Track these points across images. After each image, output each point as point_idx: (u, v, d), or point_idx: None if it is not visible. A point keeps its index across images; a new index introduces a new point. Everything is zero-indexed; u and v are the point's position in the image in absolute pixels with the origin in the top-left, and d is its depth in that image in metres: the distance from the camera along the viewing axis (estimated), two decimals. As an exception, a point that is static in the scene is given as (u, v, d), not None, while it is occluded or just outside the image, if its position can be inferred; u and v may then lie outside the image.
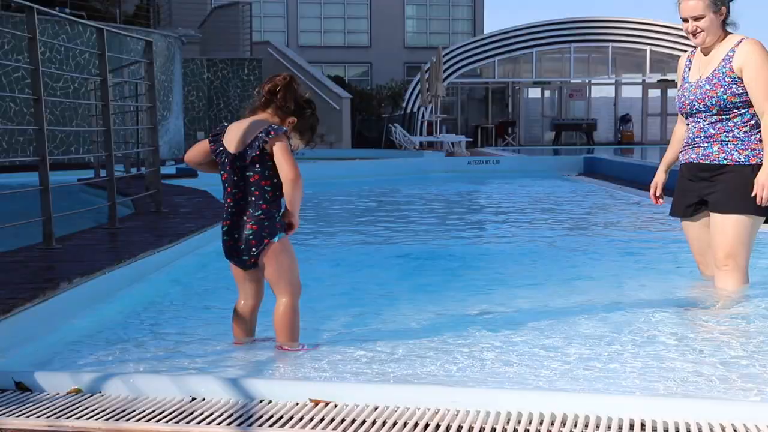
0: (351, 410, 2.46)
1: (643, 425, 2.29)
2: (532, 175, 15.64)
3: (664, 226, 7.27)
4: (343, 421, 2.38)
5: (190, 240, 5.66)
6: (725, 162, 4.25)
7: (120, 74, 10.28)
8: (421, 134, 25.05)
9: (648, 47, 29.44)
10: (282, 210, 3.37)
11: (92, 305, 4.08)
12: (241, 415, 2.44)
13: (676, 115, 4.62)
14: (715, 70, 4.25)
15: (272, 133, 3.27)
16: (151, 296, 4.55)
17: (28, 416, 2.45)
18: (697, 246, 4.59)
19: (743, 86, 4.18)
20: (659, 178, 4.71)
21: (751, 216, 4.22)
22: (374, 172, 15.62)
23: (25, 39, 5.11)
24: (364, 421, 2.37)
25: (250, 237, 3.31)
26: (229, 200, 3.36)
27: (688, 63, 4.49)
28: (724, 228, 4.25)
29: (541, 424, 2.32)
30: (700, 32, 4.24)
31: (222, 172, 3.38)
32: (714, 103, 4.23)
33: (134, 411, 2.48)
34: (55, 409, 2.51)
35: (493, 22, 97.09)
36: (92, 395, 2.65)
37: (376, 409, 2.46)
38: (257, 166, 3.29)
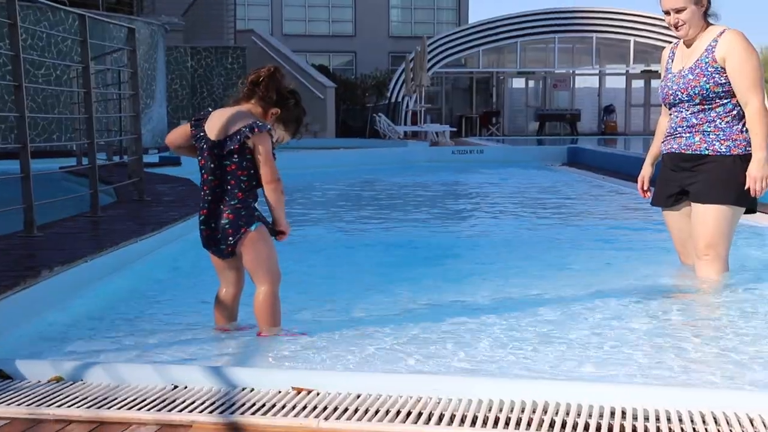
0: (333, 398, 2.46)
1: (624, 413, 2.31)
2: (515, 165, 15.66)
3: (645, 215, 7.30)
4: (325, 408, 2.38)
5: (173, 228, 5.63)
6: (707, 152, 4.28)
7: (102, 61, 10.20)
8: (405, 124, 25.03)
9: (632, 38, 29.55)
10: (258, 199, 3.38)
11: (74, 293, 4.06)
12: (223, 403, 2.43)
13: (660, 106, 4.64)
14: (697, 60, 4.27)
15: (256, 129, 3.26)
16: (133, 285, 4.54)
17: (9, 404, 2.43)
18: (678, 236, 4.62)
19: (726, 76, 4.20)
20: (646, 172, 4.73)
21: (731, 206, 4.25)
22: (358, 162, 15.60)
23: (5, 25, 5.06)
24: (346, 409, 2.37)
25: (227, 226, 3.31)
26: (205, 188, 3.36)
27: (671, 54, 4.52)
28: (705, 218, 4.28)
29: (522, 411, 2.33)
30: (683, 24, 4.26)
31: (200, 157, 3.37)
32: (697, 92, 4.26)
33: (116, 399, 2.47)
34: (36, 397, 2.50)
35: (477, 12, 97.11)
36: (74, 383, 2.64)
37: (358, 397, 2.46)
38: (235, 156, 3.29)
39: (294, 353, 3.19)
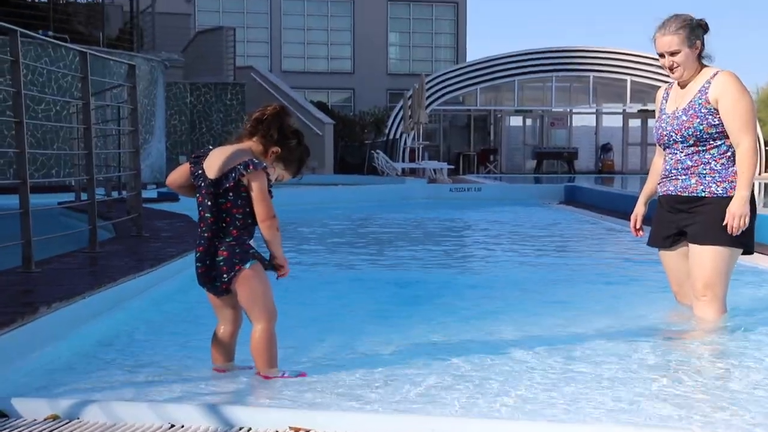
0: (330, 438, 2.45)
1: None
2: (513, 203, 15.70)
3: (641, 254, 7.31)
4: (322, 449, 2.38)
5: (171, 265, 5.64)
6: (704, 194, 4.30)
7: (102, 97, 10.27)
8: (403, 161, 25.14)
9: (628, 77, 29.78)
10: (253, 236, 3.39)
11: (71, 330, 4.05)
12: (219, 443, 2.43)
13: (656, 145, 4.68)
14: (691, 101, 4.32)
15: (251, 167, 3.28)
16: (131, 322, 4.53)
17: (5, 443, 2.43)
18: (674, 276, 4.64)
19: (719, 117, 4.25)
20: (639, 210, 4.75)
21: (729, 247, 4.27)
22: (356, 198, 15.64)
23: (7, 62, 5.10)
24: (343, 450, 2.37)
25: (221, 263, 3.32)
26: (202, 225, 3.38)
27: (665, 95, 4.56)
28: (702, 259, 4.29)
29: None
30: (677, 67, 4.31)
31: (198, 195, 3.39)
32: (690, 133, 4.30)
33: (112, 438, 2.46)
34: (32, 435, 2.49)
35: (475, 51, 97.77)
36: (70, 421, 2.63)
37: (355, 437, 2.46)
38: (230, 194, 3.31)
39: (291, 392, 3.18)
